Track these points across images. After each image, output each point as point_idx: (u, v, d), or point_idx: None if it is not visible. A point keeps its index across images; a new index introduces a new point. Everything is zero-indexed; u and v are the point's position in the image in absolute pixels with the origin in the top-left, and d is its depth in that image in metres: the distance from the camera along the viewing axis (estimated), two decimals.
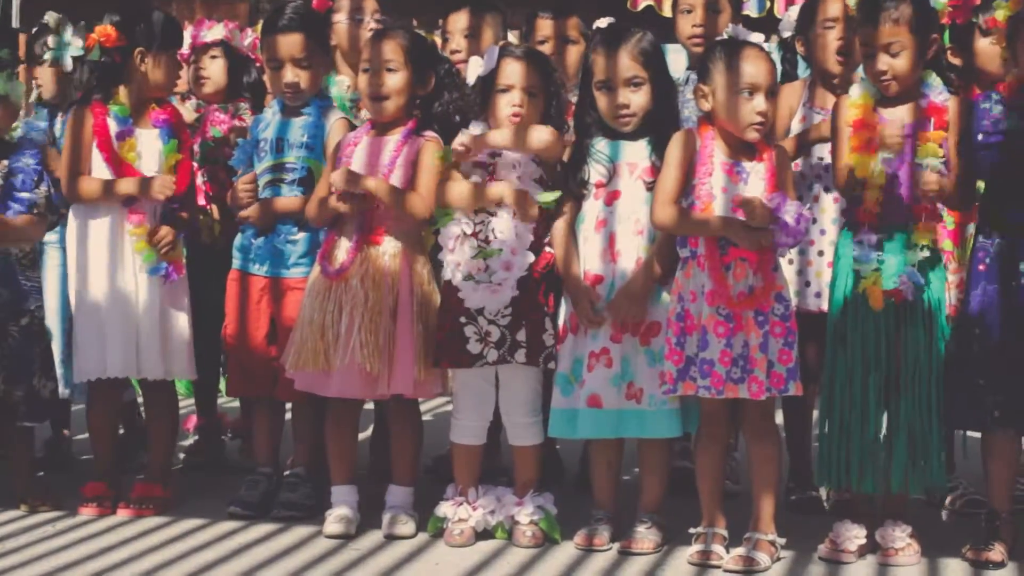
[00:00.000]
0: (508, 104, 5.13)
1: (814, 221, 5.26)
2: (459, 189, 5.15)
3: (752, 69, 4.85)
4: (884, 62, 4.87)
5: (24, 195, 5.53)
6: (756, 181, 4.87)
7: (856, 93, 4.96)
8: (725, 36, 5.00)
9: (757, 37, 4.94)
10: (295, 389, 5.35)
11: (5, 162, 5.56)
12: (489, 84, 5.17)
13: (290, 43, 5.53)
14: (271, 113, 5.64)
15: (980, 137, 4.85)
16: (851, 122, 4.91)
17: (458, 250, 5.12)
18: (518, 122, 5.11)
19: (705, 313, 4.83)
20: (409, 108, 5.31)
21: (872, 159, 4.82)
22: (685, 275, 4.90)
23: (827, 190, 5.36)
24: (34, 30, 6.43)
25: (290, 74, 5.53)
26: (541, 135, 5.09)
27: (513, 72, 5.13)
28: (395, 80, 5.25)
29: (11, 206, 5.51)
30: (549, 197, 5.10)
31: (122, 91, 5.55)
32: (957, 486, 5.54)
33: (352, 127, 5.52)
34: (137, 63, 5.53)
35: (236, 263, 5.63)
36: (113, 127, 5.51)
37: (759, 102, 4.85)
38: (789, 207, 4.75)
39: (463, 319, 5.11)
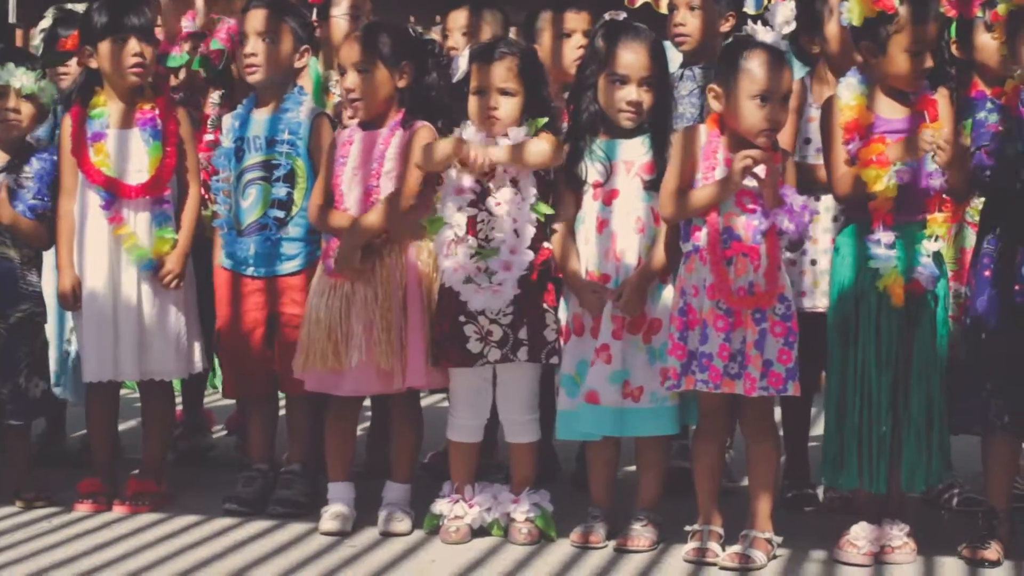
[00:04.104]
0: (483, 106, 5.10)
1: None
2: (443, 145, 5.09)
3: (767, 76, 4.82)
4: (928, 60, 4.87)
5: (34, 202, 5.55)
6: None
7: (848, 93, 4.93)
8: (742, 35, 4.98)
9: (773, 36, 4.91)
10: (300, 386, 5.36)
11: (27, 167, 5.58)
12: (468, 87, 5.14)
13: (254, 17, 5.54)
14: (246, 111, 5.60)
15: (977, 151, 4.87)
16: (845, 124, 4.90)
17: (453, 254, 5.11)
18: (495, 122, 5.07)
19: (705, 307, 4.83)
20: (392, 101, 5.28)
21: (885, 172, 4.79)
22: (687, 269, 4.90)
23: (817, 199, 5.33)
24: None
25: (249, 46, 5.53)
26: (539, 150, 5.04)
27: (486, 74, 5.09)
28: (366, 81, 5.22)
29: (17, 206, 5.52)
30: (544, 209, 5.09)
31: (104, 92, 5.55)
32: (954, 484, 5.54)
33: (332, 123, 5.52)
34: (86, 60, 5.54)
35: (226, 264, 5.59)
36: (88, 131, 5.51)
37: (771, 110, 4.84)
38: (796, 196, 4.79)
39: (463, 318, 5.09)
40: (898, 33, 4.84)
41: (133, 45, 5.49)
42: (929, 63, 4.86)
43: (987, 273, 4.92)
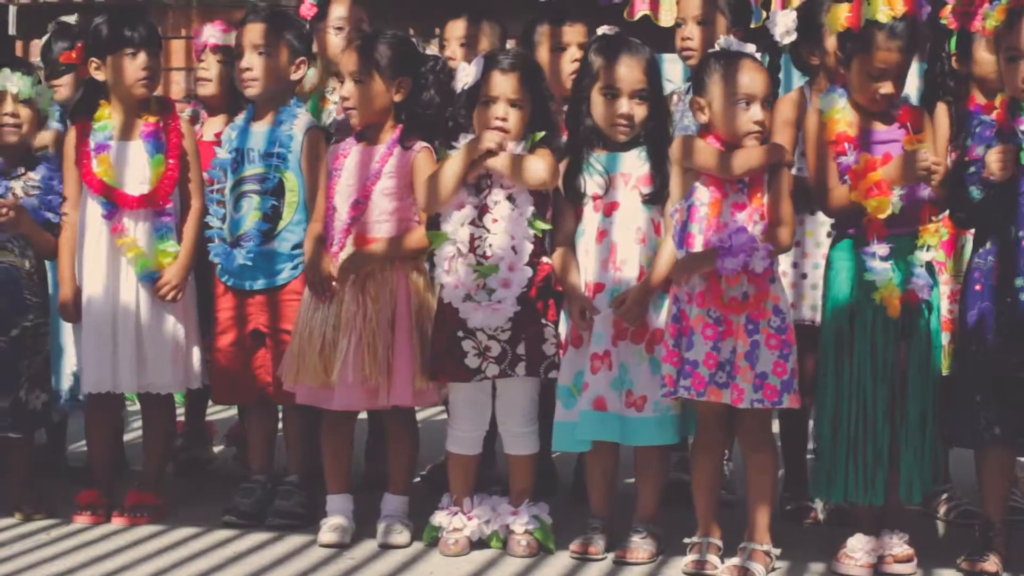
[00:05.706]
0: (492, 117, 5.11)
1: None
2: (450, 170, 5.09)
3: (747, 79, 4.86)
4: (889, 87, 4.87)
5: (41, 212, 5.56)
6: (753, 191, 4.87)
7: (831, 105, 4.93)
8: (717, 47, 5.00)
9: (749, 48, 4.95)
10: (293, 398, 5.36)
11: (31, 174, 5.59)
12: (475, 95, 5.15)
13: (250, 31, 5.55)
14: (244, 123, 5.60)
15: (971, 169, 4.87)
16: (836, 136, 4.90)
17: (453, 271, 5.11)
18: (503, 135, 5.08)
19: (694, 314, 4.84)
20: (388, 114, 5.27)
21: (887, 201, 4.80)
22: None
23: (812, 213, 5.33)
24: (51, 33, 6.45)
25: (245, 60, 5.54)
26: (536, 170, 5.04)
27: (497, 84, 5.09)
28: (362, 91, 5.22)
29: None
30: (541, 226, 5.10)
31: (110, 105, 5.55)
32: (952, 496, 5.55)
33: (327, 134, 5.52)
34: (93, 72, 5.54)
35: (221, 274, 5.58)
36: (92, 142, 5.51)
37: (756, 111, 4.86)
38: (741, 235, 4.77)
39: (461, 333, 5.09)
40: (863, 53, 4.85)
41: (142, 58, 5.50)
42: (889, 90, 4.86)
43: (977, 287, 4.92)
